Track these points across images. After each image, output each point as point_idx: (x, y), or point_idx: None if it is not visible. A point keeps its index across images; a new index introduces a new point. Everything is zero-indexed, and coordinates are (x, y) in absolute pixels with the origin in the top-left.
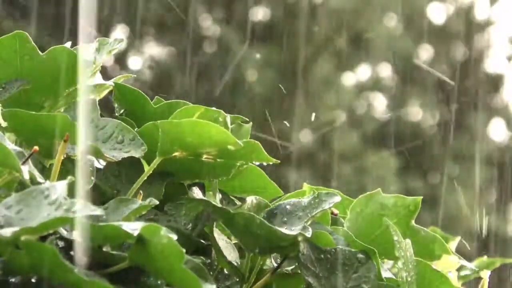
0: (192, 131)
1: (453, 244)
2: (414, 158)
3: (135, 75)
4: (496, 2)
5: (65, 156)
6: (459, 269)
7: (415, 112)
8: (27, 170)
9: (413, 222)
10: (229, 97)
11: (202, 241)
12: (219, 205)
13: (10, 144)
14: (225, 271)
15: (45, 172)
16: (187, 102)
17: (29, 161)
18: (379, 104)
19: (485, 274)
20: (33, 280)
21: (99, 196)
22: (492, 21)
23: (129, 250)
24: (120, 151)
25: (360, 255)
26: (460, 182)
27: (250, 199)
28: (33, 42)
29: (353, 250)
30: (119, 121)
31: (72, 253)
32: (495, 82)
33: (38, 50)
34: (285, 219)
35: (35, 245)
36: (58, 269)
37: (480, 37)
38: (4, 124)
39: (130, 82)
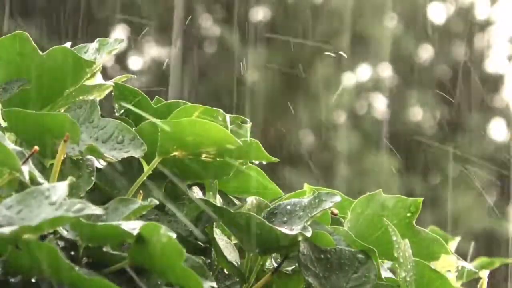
0: (191, 130)
1: (453, 244)
2: (414, 158)
3: (135, 75)
4: (496, 2)
5: (65, 156)
6: (458, 269)
7: (415, 112)
8: (27, 170)
9: (413, 223)
10: (229, 97)
11: (202, 241)
12: (219, 205)
13: (10, 144)
14: (225, 271)
15: (45, 172)
16: (187, 102)
17: (29, 161)
18: (379, 104)
19: (484, 274)
20: (33, 280)
21: (99, 196)
22: (492, 21)
23: (129, 249)
24: (120, 151)
25: (360, 255)
26: (460, 182)
27: (250, 200)
28: (33, 42)
29: (353, 250)
30: (119, 121)
31: (72, 252)
32: (495, 82)
33: (38, 50)
34: (285, 219)
35: (35, 245)
36: (58, 269)
37: (480, 37)
38: (4, 124)
39: (130, 82)
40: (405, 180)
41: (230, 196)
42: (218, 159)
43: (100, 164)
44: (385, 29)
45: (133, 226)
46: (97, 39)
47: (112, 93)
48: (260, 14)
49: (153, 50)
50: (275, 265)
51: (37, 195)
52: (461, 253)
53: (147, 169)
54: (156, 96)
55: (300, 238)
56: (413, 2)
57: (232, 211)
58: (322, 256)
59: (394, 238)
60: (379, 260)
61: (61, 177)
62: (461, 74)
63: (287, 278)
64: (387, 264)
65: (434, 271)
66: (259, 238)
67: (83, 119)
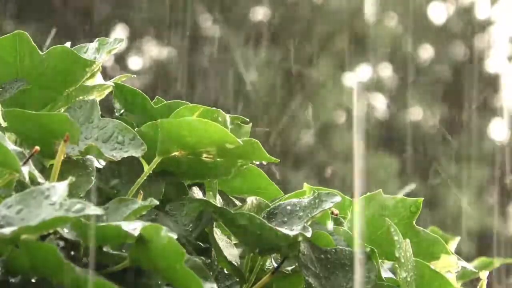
0: (191, 130)
1: (453, 244)
2: (414, 158)
3: (135, 75)
4: (496, 2)
5: (65, 156)
6: (458, 269)
7: (415, 112)
8: (27, 170)
9: (413, 223)
10: (229, 97)
11: (202, 241)
12: (220, 205)
13: (10, 144)
14: (225, 271)
15: (45, 172)
16: (187, 102)
17: (30, 161)
18: (379, 104)
19: (484, 275)
20: (33, 280)
21: (99, 196)
22: (492, 21)
23: (129, 250)
24: (120, 151)
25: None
26: (460, 182)
27: (251, 200)
28: (33, 42)
29: (353, 250)
30: (119, 121)
31: (72, 253)
32: (495, 82)
33: (38, 50)
34: (285, 219)
35: (35, 245)
36: (58, 269)
37: (480, 37)
38: (4, 124)
39: (130, 82)
40: (405, 180)
41: (230, 196)
42: (218, 159)
43: (100, 164)
44: (385, 29)
45: (134, 227)
46: (97, 38)
47: (112, 93)
48: (260, 13)
49: (153, 50)
50: (275, 265)
51: (37, 195)
52: (461, 253)
53: (147, 169)
54: (157, 96)
55: (300, 238)
56: (413, 2)
57: (232, 211)
58: (322, 256)
59: (396, 238)
60: (379, 260)
61: (61, 177)
62: (461, 74)
63: (287, 278)
64: (387, 264)
65: (434, 271)
66: (259, 238)
67: (83, 119)
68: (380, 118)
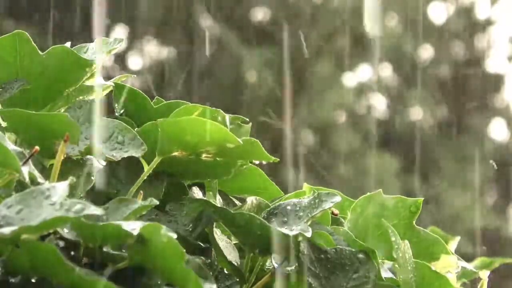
0: (191, 129)
1: (452, 244)
2: (414, 158)
3: (135, 75)
4: (496, 2)
5: (65, 156)
6: (458, 269)
7: (415, 112)
8: (27, 170)
9: (413, 223)
10: (229, 98)
11: (202, 241)
12: (220, 205)
13: (10, 144)
14: (225, 271)
15: (45, 172)
16: (187, 102)
17: (30, 161)
18: (379, 104)
19: (484, 275)
20: (33, 280)
21: (99, 196)
22: (492, 21)
23: (129, 250)
24: (120, 151)
25: (360, 255)
26: (460, 182)
27: (251, 200)
28: (33, 42)
29: (353, 250)
30: (119, 121)
31: (72, 253)
32: (495, 82)
33: (38, 50)
34: (285, 219)
35: (36, 245)
36: (58, 269)
37: (480, 37)
38: (4, 124)
39: (130, 82)
40: (405, 180)
41: (230, 196)
42: (218, 158)
43: (100, 164)
44: (385, 29)
45: (133, 226)
46: (97, 39)
47: (112, 93)
48: (260, 13)
49: (153, 50)
50: (275, 265)
51: (37, 195)
52: (461, 253)
53: (147, 169)
54: (156, 96)
55: (300, 238)
56: (413, 2)
57: (232, 211)
58: (322, 256)
59: (393, 239)
60: (379, 260)
61: (61, 177)
62: (461, 74)
63: (287, 278)
64: (388, 264)
65: (434, 272)
66: (259, 238)
67: (83, 119)
68: (380, 118)
